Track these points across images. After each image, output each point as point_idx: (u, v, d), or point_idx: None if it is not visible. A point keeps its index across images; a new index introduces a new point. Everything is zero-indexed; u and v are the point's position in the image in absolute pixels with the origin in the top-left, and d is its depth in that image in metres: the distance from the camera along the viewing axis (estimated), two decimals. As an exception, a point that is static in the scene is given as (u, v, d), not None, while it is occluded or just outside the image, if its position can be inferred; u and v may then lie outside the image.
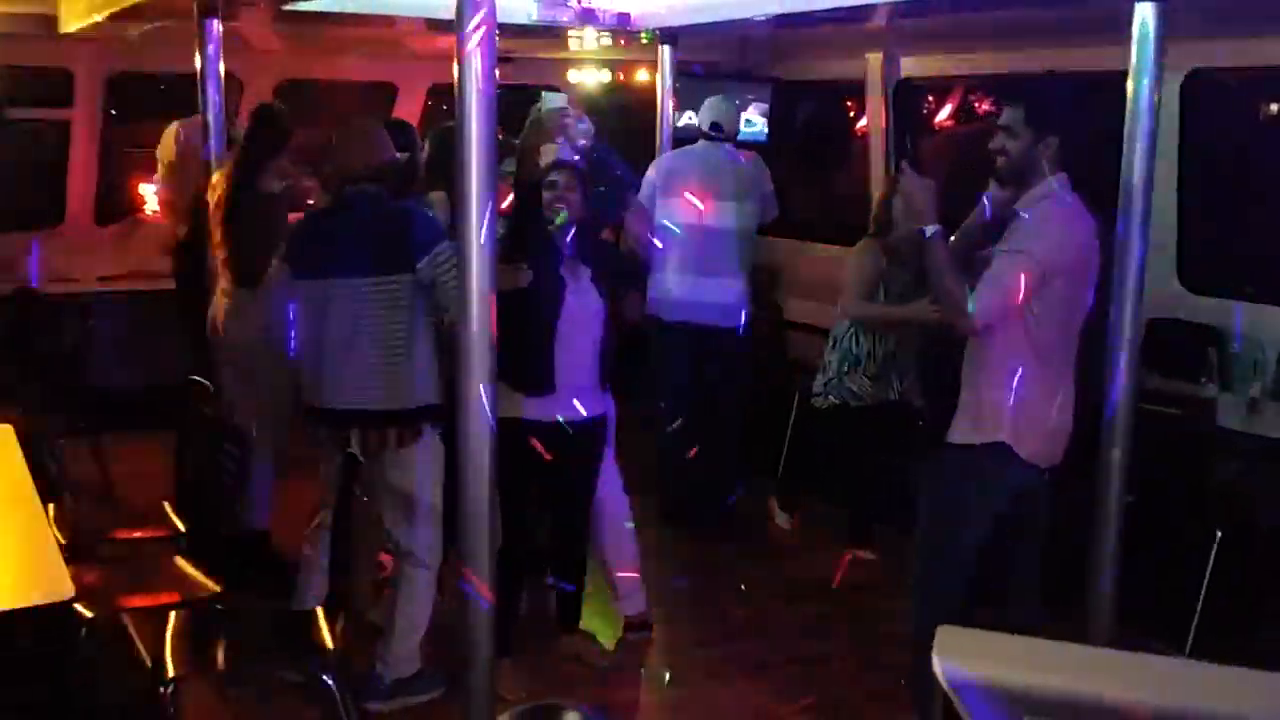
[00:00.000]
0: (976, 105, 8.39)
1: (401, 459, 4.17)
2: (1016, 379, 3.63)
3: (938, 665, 1.07)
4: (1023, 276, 3.52)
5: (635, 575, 4.84)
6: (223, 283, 5.22)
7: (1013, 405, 3.65)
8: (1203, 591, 4.55)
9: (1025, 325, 3.61)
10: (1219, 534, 4.58)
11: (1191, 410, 4.99)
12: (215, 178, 5.29)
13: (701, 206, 5.85)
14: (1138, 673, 1.01)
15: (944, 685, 1.06)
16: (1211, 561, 4.56)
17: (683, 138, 6.42)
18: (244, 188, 5.13)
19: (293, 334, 4.29)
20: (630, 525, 4.82)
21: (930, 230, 3.64)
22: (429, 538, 4.25)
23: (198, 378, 4.47)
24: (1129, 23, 3.61)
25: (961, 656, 1.06)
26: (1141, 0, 3.57)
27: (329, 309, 4.14)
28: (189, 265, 5.94)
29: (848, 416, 5.38)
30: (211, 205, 5.26)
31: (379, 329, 4.09)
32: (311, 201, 5.22)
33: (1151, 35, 3.58)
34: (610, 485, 4.75)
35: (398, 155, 4.41)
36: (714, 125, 6.08)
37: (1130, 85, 3.64)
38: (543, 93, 4.99)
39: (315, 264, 4.18)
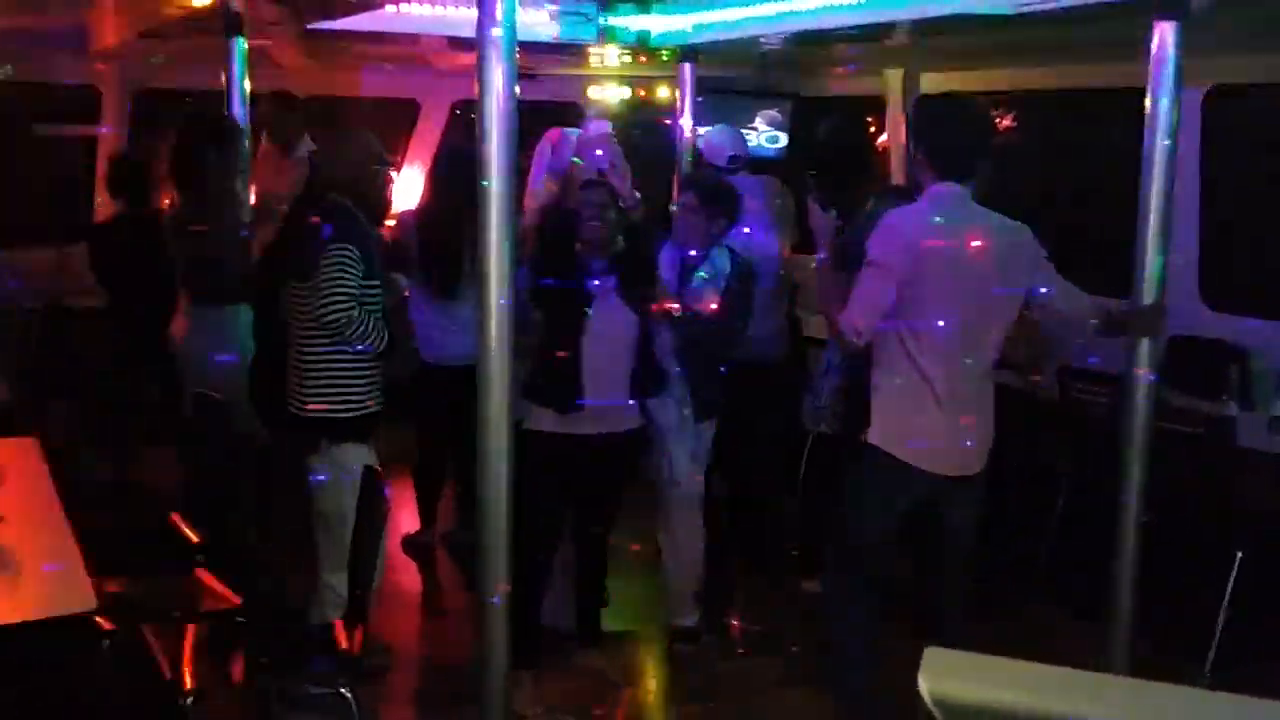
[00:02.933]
0: (997, 121, 8.40)
1: (307, 467, 4.24)
2: (883, 381, 3.76)
3: (923, 685, 1.07)
4: (874, 282, 3.63)
5: (696, 588, 4.89)
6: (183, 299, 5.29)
7: (880, 407, 3.77)
8: (1223, 611, 4.52)
9: (889, 329, 3.68)
10: (1239, 554, 4.55)
11: (1212, 429, 4.96)
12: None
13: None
14: (1127, 698, 1.01)
15: (928, 706, 1.07)
16: (1232, 581, 4.54)
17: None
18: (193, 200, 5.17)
19: None
20: (700, 538, 4.86)
21: (816, 260, 3.90)
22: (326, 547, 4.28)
23: (206, 391, 4.52)
24: (1147, 40, 3.62)
25: (947, 678, 1.06)
26: (1160, 19, 3.58)
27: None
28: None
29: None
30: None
31: (293, 336, 4.21)
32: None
33: (1170, 52, 3.59)
34: (689, 495, 4.80)
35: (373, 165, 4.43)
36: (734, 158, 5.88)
37: (1148, 102, 3.64)
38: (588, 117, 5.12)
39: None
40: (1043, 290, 3.75)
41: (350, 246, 4.07)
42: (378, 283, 4.21)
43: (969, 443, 3.78)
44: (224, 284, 5.11)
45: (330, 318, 4.03)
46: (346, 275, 4.04)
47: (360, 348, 4.11)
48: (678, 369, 4.63)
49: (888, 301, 3.63)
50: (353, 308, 4.04)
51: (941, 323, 3.64)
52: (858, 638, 3.96)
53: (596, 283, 4.32)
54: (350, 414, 4.19)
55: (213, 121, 5.30)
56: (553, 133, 5.56)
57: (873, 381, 3.81)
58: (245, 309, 5.13)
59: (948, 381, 3.70)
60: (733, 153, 5.86)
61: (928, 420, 3.72)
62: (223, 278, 5.10)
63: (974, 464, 3.82)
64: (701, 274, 4.65)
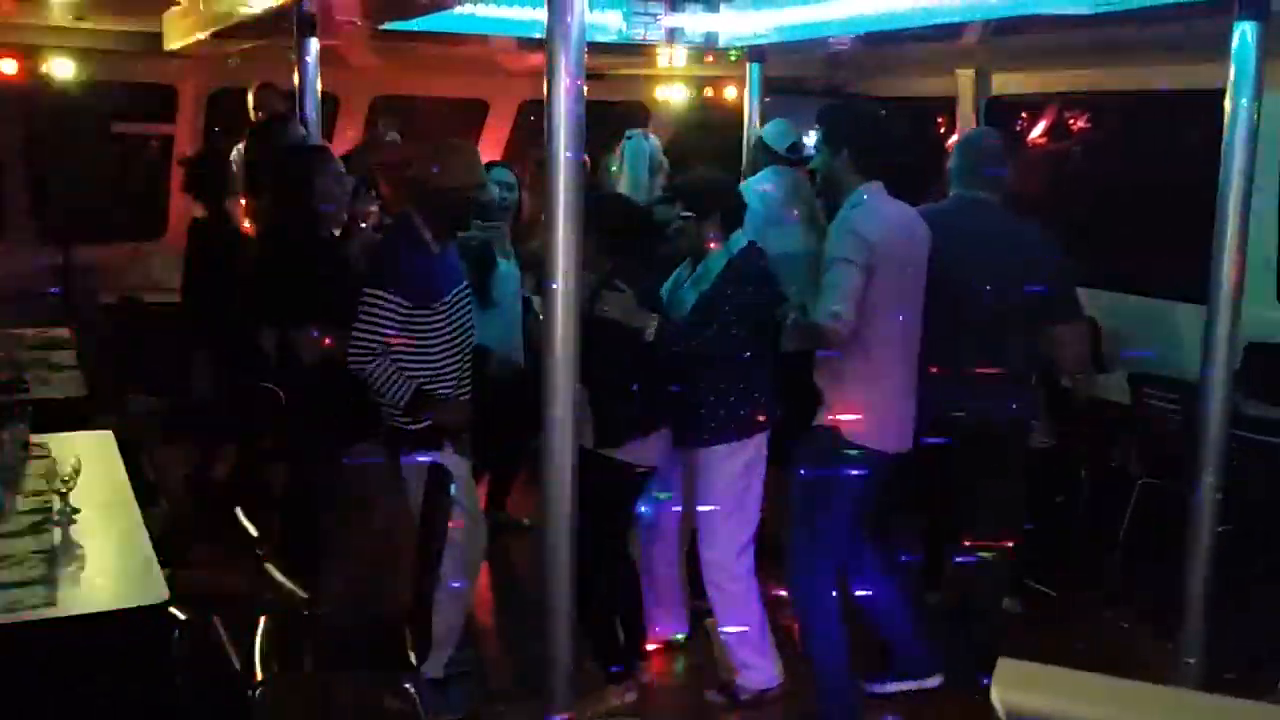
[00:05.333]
0: (1071, 122, 8.29)
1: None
2: (848, 370, 3.97)
3: (995, 696, 1.06)
4: (852, 276, 3.84)
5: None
6: None
7: (843, 394, 3.99)
8: (1300, 624, 4.43)
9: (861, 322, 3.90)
10: (1317, 565, 4.45)
11: (1290, 437, 4.86)
12: None
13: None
14: (1198, 712, 1.00)
15: (1001, 716, 1.06)
16: (1311, 593, 4.44)
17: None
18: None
19: None
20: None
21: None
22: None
23: (268, 385, 4.57)
24: (1228, 40, 3.55)
25: (1020, 689, 1.05)
26: (1241, 19, 3.51)
27: None
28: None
29: None
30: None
31: None
32: (367, 224, 5.34)
33: (1252, 54, 3.52)
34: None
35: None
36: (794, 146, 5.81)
37: (1228, 103, 3.57)
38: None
39: None
40: None
41: (382, 293, 3.98)
42: (441, 300, 4.12)
43: (911, 422, 4.09)
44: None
45: (353, 366, 4.02)
46: (374, 326, 3.99)
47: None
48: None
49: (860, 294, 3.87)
50: (369, 360, 4.00)
51: (893, 312, 3.97)
52: (835, 622, 4.15)
53: None
54: (412, 425, 4.13)
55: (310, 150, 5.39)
56: None
57: (831, 375, 4.02)
58: None
59: (899, 366, 4.03)
60: (792, 140, 5.79)
61: (889, 404, 4.02)
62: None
63: (907, 442, 4.12)
64: (688, 285, 4.42)
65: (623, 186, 5.60)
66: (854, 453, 3.97)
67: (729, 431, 4.30)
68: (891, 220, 4.02)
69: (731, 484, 4.33)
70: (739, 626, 4.41)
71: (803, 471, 4.10)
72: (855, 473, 3.97)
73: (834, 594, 4.16)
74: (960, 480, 4.53)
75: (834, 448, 3.99)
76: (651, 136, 5.49)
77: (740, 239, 4.34)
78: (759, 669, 4.45)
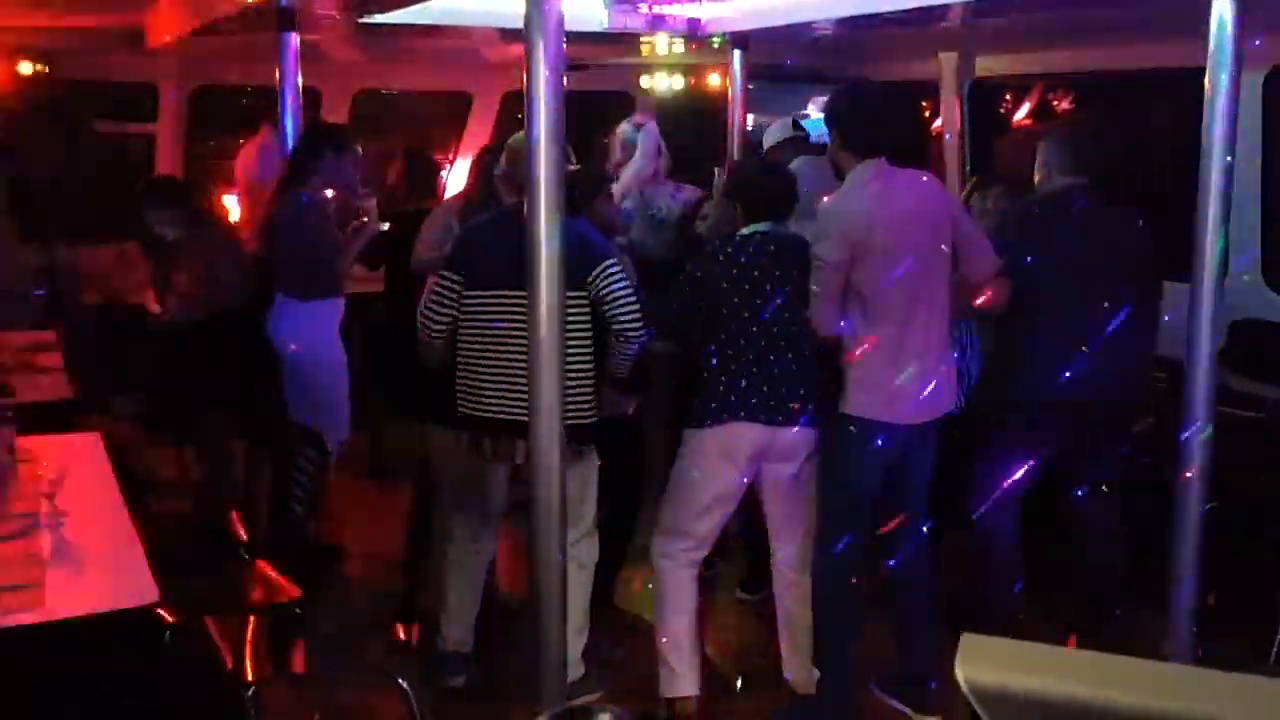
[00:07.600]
0: (1055, 104, 8.28)
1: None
2: (855, 351, 3.98)
3: (960, 673, 1.07)
4: (826, 278, 3.91)
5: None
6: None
7: (853, 376, 4.01)
8: (1288, 599, 4.44)
9: (853, 303, 3.95)
10: (1305, 540, 4.47)
11: (1275, 413, 4.87)
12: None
13: None
14: (1166, 683, 1.00)
15: (965, 691, 1.06)
16: (1297, 569, 4.45)
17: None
18: (287, 197, 5.21)
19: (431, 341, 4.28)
20: None
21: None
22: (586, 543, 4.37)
23: (259, 387, 4.58)
24: (1206, 19, 3.55)
25: (984, 663, 1.05)
26: (1219, -2, 3.51)
27: (497, 320, 4.10)
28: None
29: None
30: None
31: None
32: (366, 220, 5.34)
33: (1229, 32, 3.52)
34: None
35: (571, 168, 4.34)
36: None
37: (1208, 81, 3.57)
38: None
39: (486, 275, 4.15)
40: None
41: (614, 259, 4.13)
42: None
43: (928, 391, 4.02)
44: (320, 278, 5.24)
45: (647, 335, 4.13)
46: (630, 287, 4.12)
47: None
48: None
49: (836, 290, 3.94)
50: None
51: (892, 288, 3.92)
52: (841, 610, 4.19)
53: None
54: (593, 419, 4.21)
55: (331, 127, 5.43)
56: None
57: (842, 353, 4.03)
58: (334, 303, 5.30)
59: (895, 340, 3.95)
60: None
61: (887, 376, 3.96)
62: (319, 271, 5.23)
63: (930, 412, 4.08)
64: None
65: (629, 170, 5.68)
66: (855, 429, 4.01)
67: (688, 417, 4.24)
68: (860, 205, 3.96)
69: (679, 466, 4.24)
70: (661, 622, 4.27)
71: (824, 456, 4.17)
72: (863, 447, 4.02)
73: (848, 580, 4.15)
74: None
75: (841, 427, 4.04)
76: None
77: (747, 229, 4.17)
78: (669, 674, 4.24)
